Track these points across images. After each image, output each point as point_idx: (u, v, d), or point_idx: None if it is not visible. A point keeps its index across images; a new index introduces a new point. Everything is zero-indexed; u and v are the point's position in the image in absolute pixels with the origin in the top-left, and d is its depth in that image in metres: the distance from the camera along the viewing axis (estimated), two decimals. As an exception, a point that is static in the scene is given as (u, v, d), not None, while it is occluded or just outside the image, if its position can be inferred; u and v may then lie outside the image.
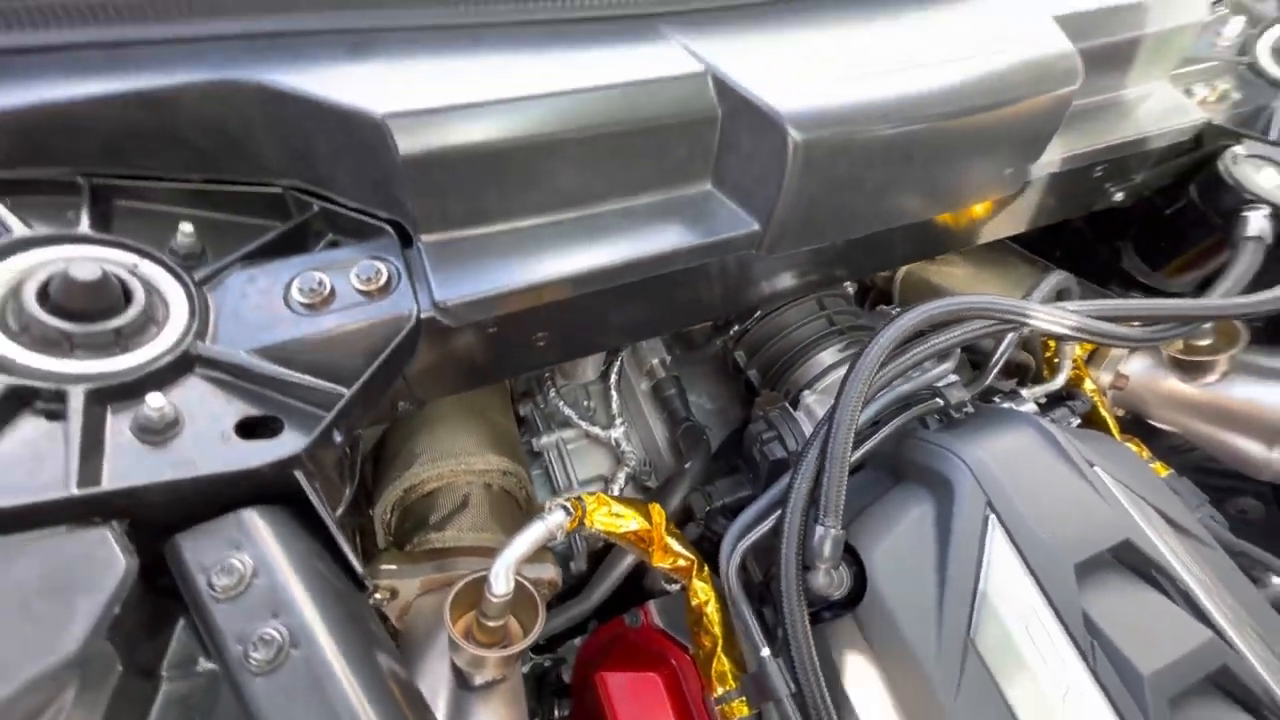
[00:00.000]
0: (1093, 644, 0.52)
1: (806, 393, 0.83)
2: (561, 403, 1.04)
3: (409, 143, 0.51)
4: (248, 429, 0.48)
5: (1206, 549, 0.65)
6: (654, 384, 1.04)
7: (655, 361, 1.04)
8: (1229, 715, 0.52)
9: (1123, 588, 0.56)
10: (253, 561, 0.44)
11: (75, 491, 0.39)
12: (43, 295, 0.44)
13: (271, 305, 0.52)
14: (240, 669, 0.40)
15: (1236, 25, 0.91)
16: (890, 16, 0.68)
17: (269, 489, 0.47)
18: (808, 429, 0.80)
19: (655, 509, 0.69)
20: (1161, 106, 0.84)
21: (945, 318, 0.65)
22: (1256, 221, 0.77)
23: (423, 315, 0.54)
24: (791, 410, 0.81)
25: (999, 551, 0.57)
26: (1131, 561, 0.58)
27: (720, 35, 0.63)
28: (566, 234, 0.59)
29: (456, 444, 0.85)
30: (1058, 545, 0.56)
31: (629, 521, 0.67)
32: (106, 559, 0.39)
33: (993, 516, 0.58)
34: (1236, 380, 0.91)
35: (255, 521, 0.46)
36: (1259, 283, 0.76)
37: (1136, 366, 0.97)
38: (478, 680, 0.64)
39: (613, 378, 1.05)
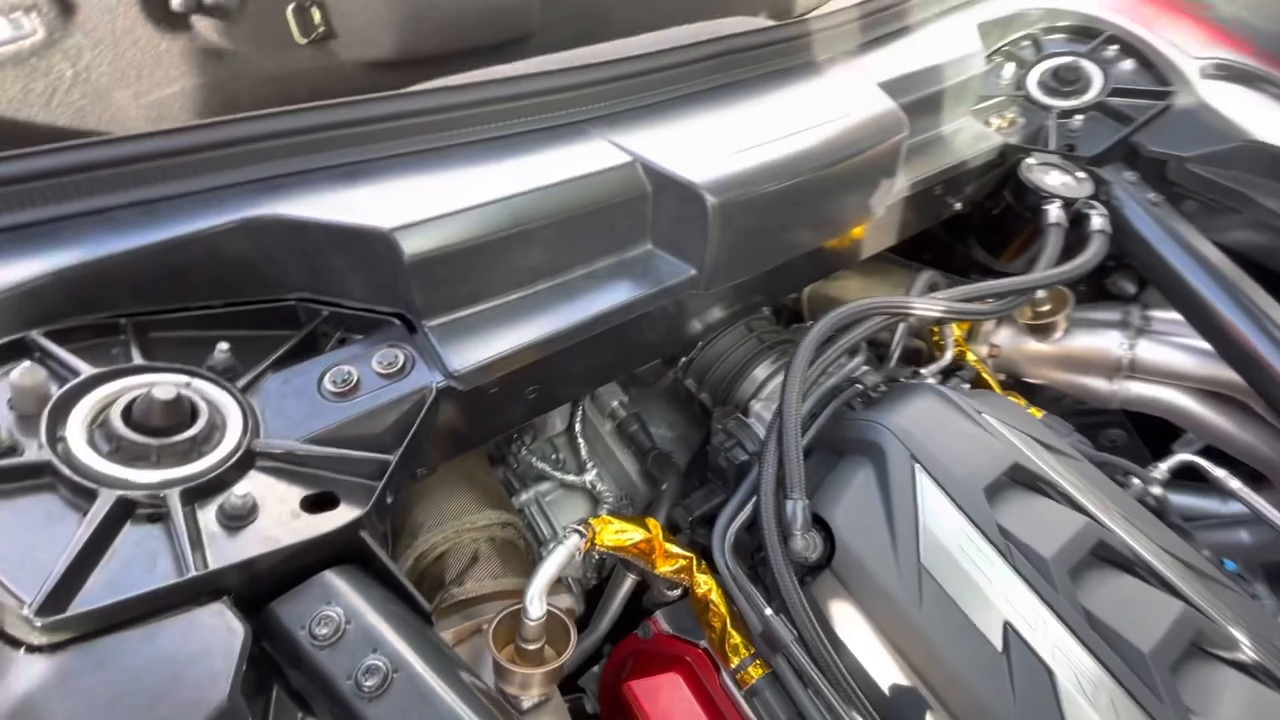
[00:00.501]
0: (1008, 545, 0.68)
1: (753, 402, 0.97)
2: (534, 459, 1.12)
3: (412, 248, 0.62)
4: (310, 505, 0.56)
5: (1076, 462, 0.83)
6: (617, 424, 1.14)
7: (615, 403, 1.15)
8: (1112, 575, 0.69)
9: (1019, 498, 0.73)
10: (343, 611, 0.51)
11: (195, 573, 0.46)
12: (127, 417, 0.51)
13: (309, 399, 0.61)
14: (355, 698, 0.48)
15: (1010, 69, 1.20)
16: (757, 98, 0.88)
17: (338, 552, 0.55)
18: (761, 432, 0.94)
19: (651, 521, 0.80)
20: (971, 136, 1.09)
21: (848, 320, 0.83)
22: (1054, 212, 1.02)
23: (439, 385, 0.64)
24: (744, 419, 0.95)
25: (928, 492, 0.72)
26: (1022, 479, 0.75)
27: (636, 129, 0.79)
28: (544, 301, 0.72)
29: (455, 507, 0.92)
30: (968, 477, 0.72)
31: (633, 534, 0.77)
32: (228, 626, 0.46)
33: (917, 466, 0.74)
34: (1075, 333, 1.15)
35: (335, 580, 0.53)
36: (1068, 255, 1.00)
37: (1003, 336, 1.20)
38: (525, 703, 0.71)
39: (577, 426, 1.15)
